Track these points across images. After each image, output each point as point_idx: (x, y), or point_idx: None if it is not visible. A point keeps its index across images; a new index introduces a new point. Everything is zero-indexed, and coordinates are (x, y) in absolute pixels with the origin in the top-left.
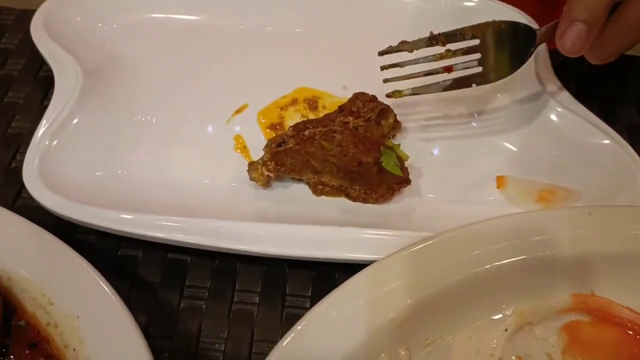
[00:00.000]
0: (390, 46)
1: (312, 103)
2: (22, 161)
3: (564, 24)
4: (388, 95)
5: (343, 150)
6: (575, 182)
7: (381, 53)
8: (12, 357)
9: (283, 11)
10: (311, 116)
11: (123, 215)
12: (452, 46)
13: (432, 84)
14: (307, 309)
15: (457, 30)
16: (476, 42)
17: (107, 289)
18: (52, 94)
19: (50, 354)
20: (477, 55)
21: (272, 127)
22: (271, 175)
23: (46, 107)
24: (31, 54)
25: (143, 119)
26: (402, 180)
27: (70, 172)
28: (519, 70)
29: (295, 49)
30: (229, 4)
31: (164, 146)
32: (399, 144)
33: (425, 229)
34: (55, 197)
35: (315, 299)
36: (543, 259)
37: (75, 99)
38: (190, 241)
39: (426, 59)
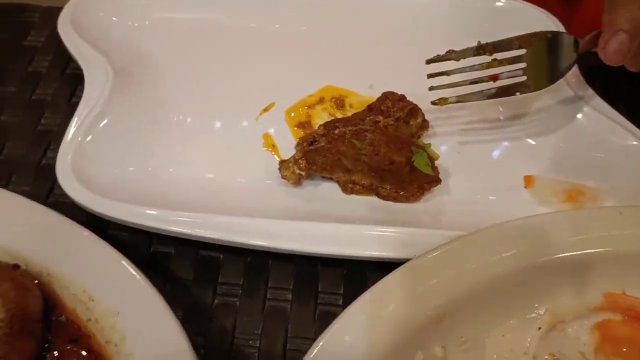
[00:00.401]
0: (438, 55)
1: (339, 102)
2: (52, 158)
3: (607, 34)
4: (433, 103)
5: (375, 149)
6: (602, 182)
7: (429, 61)
8: (55, 352)
9: (310, 10)
10: (338, 115)
11: (155, 212)
12: (499, 55)
13: (476, 92)
14: (340, 306)
15: (504, 40)
16: (522, 51)
17: (147, 285)
18: (80, 90)
19: (91, 349)
20: (523, 65)
21: (300, 125)
22: (302, 173)
23: (74, 104)
24: (58, 51)
25: (172, 117)
26: (432, 179)
27: (102, 169)
28: None
29: (321, 47)
30: (255, 3)
31: (194, 144)
32: (430, 144)
33: (455, 228)
34: (88, 194)
35: (347, 296)
36: (575, 258)
37: (106, 97)
38: (221, 238)
39: (472, 68)
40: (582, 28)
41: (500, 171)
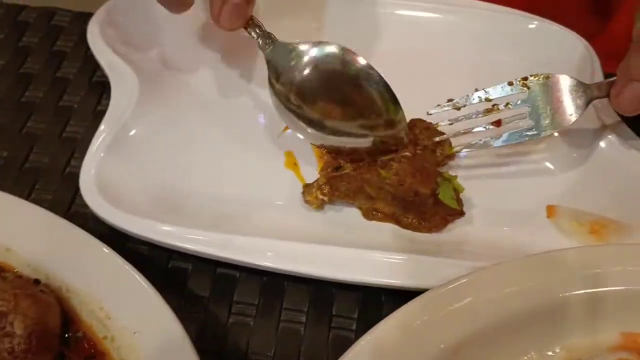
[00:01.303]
0: (438, 105)
1: None
2: (76, 167)
3: (620, 82)
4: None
5: (400, 179)
6: (627, 216)
7: (430, 113)
8: None
9: (334, 27)
10: None
11: (173, 229)
12: (502, 100)
13: (483, 140)
14: (354, 331)
15: (501, 85)
16: (524, 96)
17: (164, 307)
18: (105, 99)
19: None
20: (527, 109)
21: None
22: (325, 199)
23: (100, 112)
24: (86, 57)
25: (197, 130)
26: (456, 212)
27: (125, 182)
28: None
29: None
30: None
31: (217, 159)
32: (456, 176)
33: (475, 259)
34: (110, 207)
35: (362, 321)
36: (594, 296)
37: (132, 109)
38: (236, 258)
39: (476, 115)
40: (609, 45)
41: (523, 200)
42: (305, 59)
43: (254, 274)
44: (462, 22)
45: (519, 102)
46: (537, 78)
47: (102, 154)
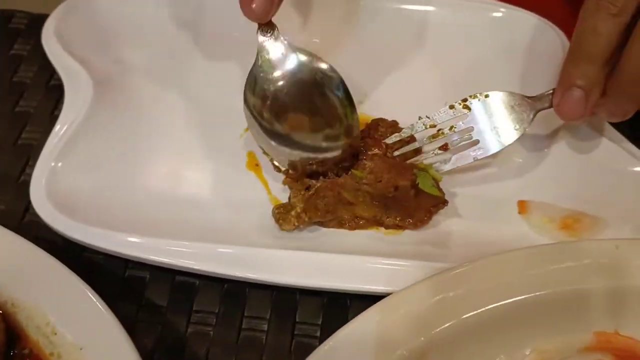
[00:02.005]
0: (395, 141)
1: None
2: (31, 175)
3: (560, 89)
4: None
5: (377, 176)
6: (602, 210)
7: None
8: None
9: (297, 23)
10: None
11: (130, 239)
12: (445, 124)
13: (434, 166)
14: (317, 338)
15: (442, 109)
16: (466, 117)
17: (112, 321)
18: (63, 103)
19: None
20: (471, 129)
21: None
22: (304, 224)
23: (57, 117)
24: (44, 61)
25: (154, 134)
26: (439, 201)
27: (79, 191)
28: (543, 83)
29: None
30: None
31: (175, 162)
32: (431, 164)
33: (441, 259)
34: (63, 218)
35: (326, 327)
36: (565, 295)
37: (85, 114)
38: (198, 268)
39: (421, 142)
40: None
41: (493, 196)
42: (282, 69)
43: (214, 281)
44: (431, 13)
45: (462, 123)
46: (476, 98)
47: (53, 163)
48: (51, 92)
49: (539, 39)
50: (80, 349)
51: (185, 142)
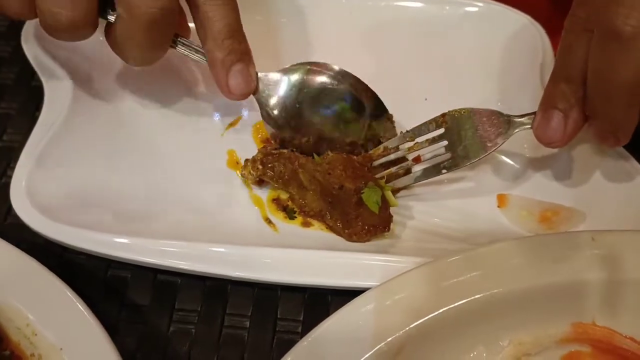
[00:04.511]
0: (370, 155)
1: None
2: (12, 177)
3: (539, 112)
4: None
5: (330, 168)
6: (580, 202)
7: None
8: None
9: (276, 18)
10: None
11: (112, 239)
12: (423, 138)
13: (404, 177)
14: (299, 334)
15: (424, 123)
16: (441, 131)
17: (92, 321)
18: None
19: None
20: (444, 143)
21: (267, 141)
22: (257, 174)
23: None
24: (25, 62)
25: (134, 135)
26: (380, 222)
27: (59, 192)
28: (522, 80)
29: (290, 57)
30: None
31: (156, 162)
32: (391, 187)
33: (421, 253)
34: (43, 219)
35: (307, 323)
36: (542, 287)
37: (65, 115)
38: (179, 266)
39: (397, 155)
40: None
41: (473, 190)
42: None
43: (196, 279)
44: (408, 10)
45: (437, 137)
46: (455, 113)
47: (33, 164)
48: (33, 94)
49: (519, 35)
50: (60, 349)
51: (166, 141)
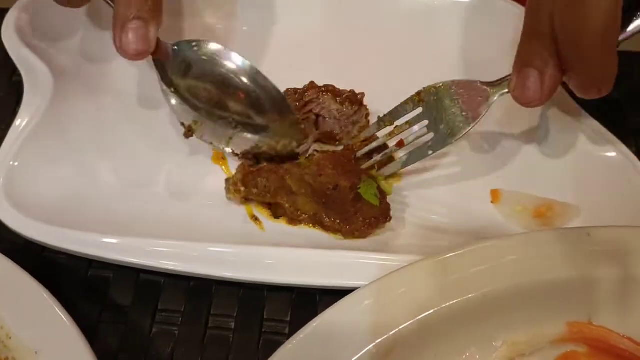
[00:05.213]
0: (354, 149)
1: None
2: None
3: (514, 72)
4: None
5: (320, 169)
6: (574, 197)
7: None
8: None
9: (264, 14)
10: None
11: (94, 239)
12: (401, 120)
13: (391, 164)
14: (286, 335)
15: (399, 105)
16: (419, 110)
17: (68, 323)
18: None
19: None
20: (425, 122)
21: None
22: (242, 194)
23: None
24: (5, 56)
25: (116, 130)
26: (381, 214)
27: (39, 189)
28: None
29: (275, 50)
30: (208, 5)
31: (139, 158)
32: (384, 177)
33: (412, 251)
34: (21, 218)
35: (295, 324)
36: (536, 284)
37: (44, 110)
38: (162, 266)
39: (378, 142)
40: None
41: (466, 186)
42: (196, 58)
43: (180, 279)
44: (398, 1)
45: (417, 117)
46: (430, 89)
47: (11, 161)
48: (13, 89)
49: (512, 25)
50: (35, 352)
51: (149, 137)
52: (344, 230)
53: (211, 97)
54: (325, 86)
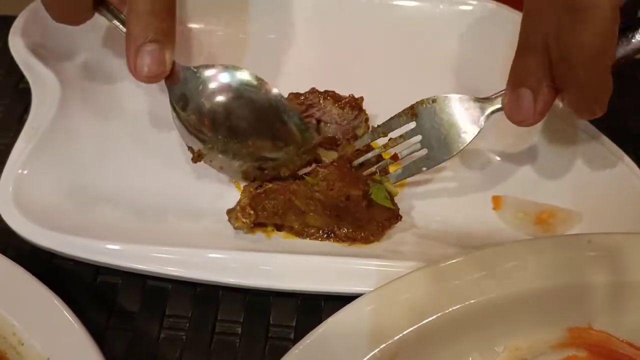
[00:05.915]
0: (350, 158)
1: None
2: None
3: (508, 90)
4: None
5: (329, 184)
6: (576, 203)
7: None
8: None
9: (264, 20)
10: None
11: (102, 246)
12: (395, 133)
13: (387, 177)
14: (292, 340)
15: (392, 117)
16: (413, 124)
17: (80, 329)
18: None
19: None
20: (418, 138)
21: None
22: (250, 221)
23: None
24: (12, 64)
25: (122, 138)
26: (392, 215)
27: (47, 197)
28: None
29: (275, 56)
30: (209, 11)
31: (145, 166)
32: (388, 178)
33: (415, 258)
34: (31, 225)
35: (300, 329)
36: (538, 290)
37: (52, 118)
38: (170, 273)
39: (373, 153)
40: None
41: (467, 192)
42: (215, 84)
43: (187, 285)
44: (402, 9)
45: (410, 132)
46: (423, 104)
47: (20, 169)
48: (20, 96)
49: (515, 33)
50: (48, 358)
51: (154, 145)
52: (360, 238)
53: (224, 125)
54: (325, 91)
